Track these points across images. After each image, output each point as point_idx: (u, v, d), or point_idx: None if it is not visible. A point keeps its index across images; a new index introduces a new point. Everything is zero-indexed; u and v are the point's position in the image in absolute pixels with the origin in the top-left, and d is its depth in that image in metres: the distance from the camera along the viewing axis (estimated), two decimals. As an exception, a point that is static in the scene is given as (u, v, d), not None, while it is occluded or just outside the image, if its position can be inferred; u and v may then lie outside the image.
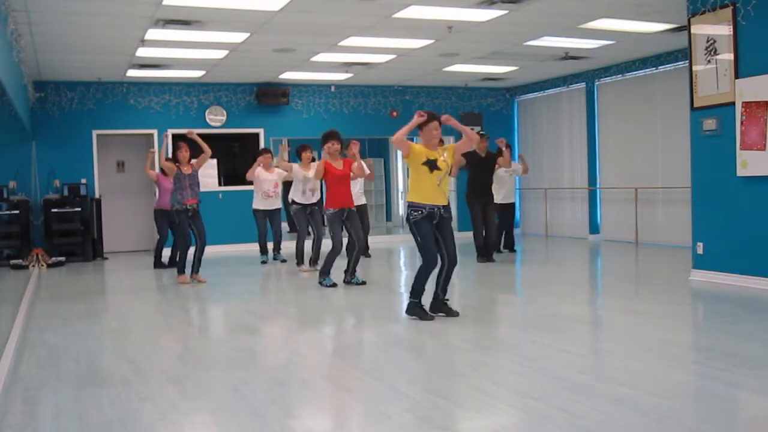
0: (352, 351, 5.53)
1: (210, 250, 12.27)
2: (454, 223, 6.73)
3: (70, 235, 11.94)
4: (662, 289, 7.70)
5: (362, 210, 10.48)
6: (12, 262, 11.12)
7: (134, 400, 4.11)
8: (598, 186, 13.25)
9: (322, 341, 5.81)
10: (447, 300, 6.24)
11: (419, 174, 6.05)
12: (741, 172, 7.30)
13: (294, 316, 6.93)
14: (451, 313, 6.15)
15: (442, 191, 6.06)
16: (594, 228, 13.33)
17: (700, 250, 7.92)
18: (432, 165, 6.00)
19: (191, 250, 8.89)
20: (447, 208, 6.11)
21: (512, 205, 11.25)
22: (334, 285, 8.02)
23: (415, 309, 6.11)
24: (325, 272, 8.07)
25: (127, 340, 5.84)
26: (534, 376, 4.37)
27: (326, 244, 8.82)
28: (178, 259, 9.00)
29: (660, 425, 3.45)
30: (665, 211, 11.84)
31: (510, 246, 11.13)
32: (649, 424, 3.46)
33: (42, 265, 11.04)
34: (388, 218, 17.57)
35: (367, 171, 9.22)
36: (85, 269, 11.06)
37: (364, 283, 8.13)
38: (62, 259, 11.49)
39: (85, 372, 4.80)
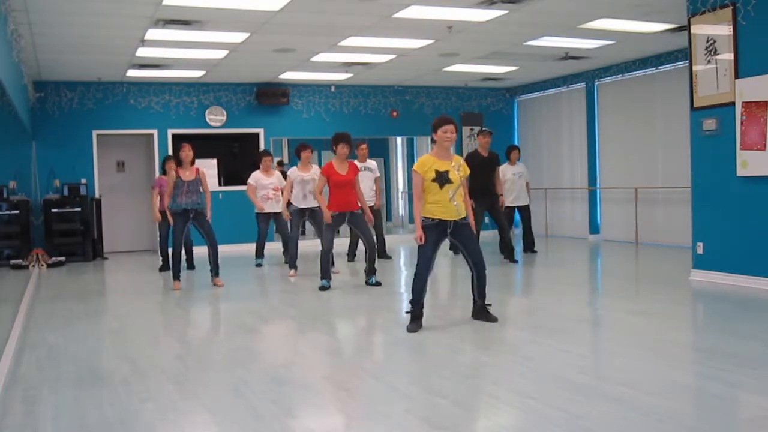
0: (352, 351, 5.53)
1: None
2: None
3: (70, 235, 11.94)
4: (662, 289, 7.69)
5: (374, 213, 10.40)
6: (12, 262, 11.12)
7: (134, 400, 4.12)
8: (598, 186, 13.25)
9: (322, 341, 5.80)
10: (488, 305, 5.98)
11: (430, 190, 5.64)
12: (741, 172, 7.29)
13: (294, 316, 6.93)
14: (489, 318, 5.91)
15: (455, 206, 5.65)
16: (594, 228, 13.33)
17: (700, 250, 7.92)
18: (442, 179, 5.59)
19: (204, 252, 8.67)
20: (463, 218, 5.75)
21: (526, 207, 11.07)
22: (326, 288, 7.97)
23: (410, 319, 5.83)
24: (322, 274, 8.02)
25: (127, 340, 5.84)
26: (534, 376, 4.37)
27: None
28: (171, 264, 8.56)
29: (660, 425, 3.45)
30: (665, 211, 11.84)
31: (530, 247, 11.05)
32: (649, 424, 3.46)
33: (42, 265, 11.04)
34: (389, 218, 17.56)
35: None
36: (85, 269, 11.06)
37: (379, 284, 8.06)
38: (62, 259, 11.49)
39: (85, 372, 4.80)
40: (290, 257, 9.47)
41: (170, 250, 10.34)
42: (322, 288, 7.97)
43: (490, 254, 10.40)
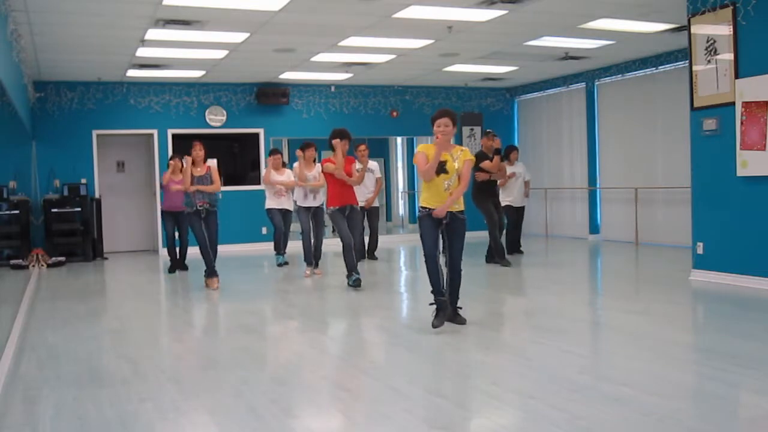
0: (353, 351, 5.52)
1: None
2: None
3: (70, 235, 11.93)
4: (662, 289, 7.69)
5: (373, 213, 10.48)
6: (12, 262, 11.09)
7: (134, 400, 4.11)
8: (598, 186, 13.25)
9: (322, 341, 5.80)
10: (460, 308, 5.89)
11: None
12: (741, 172, 7.30)
13: (294, 316, 6.93)
14: (458, 320, 5.82)
15: (449, 196, 5.62)
16: (594, 228, 13.33)
17: (700, 250, 7.92)
18: (439, 168, 5.59)
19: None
20: (460, 212, 5.71)
21: (521, 209, 11.00)
22: (358, 282, 7.85)
23: (435, 312, 5.75)
24: (350, 270, 7.87)
25: (127, 340, 5.84)
26: (534, 376, 4.38)
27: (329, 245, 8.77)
28: (205, 262, 8.39)
29: (660, 425, 3.45)
30: (665, 211, 11.84)
31: (516, 248, 11.06)
32: (649, 424, 3.46)
33: (42, 265, 11.04)
34: (389, 218, 17.56)
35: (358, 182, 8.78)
36: (85, 269, 11.06)
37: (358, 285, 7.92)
38: (62, 259, 11.49)
39: (85, 372, 4.80)
40: (305, 252, 9.27)
41: (178, 250, 10.35)
42: (353, 280, 7.81)
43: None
